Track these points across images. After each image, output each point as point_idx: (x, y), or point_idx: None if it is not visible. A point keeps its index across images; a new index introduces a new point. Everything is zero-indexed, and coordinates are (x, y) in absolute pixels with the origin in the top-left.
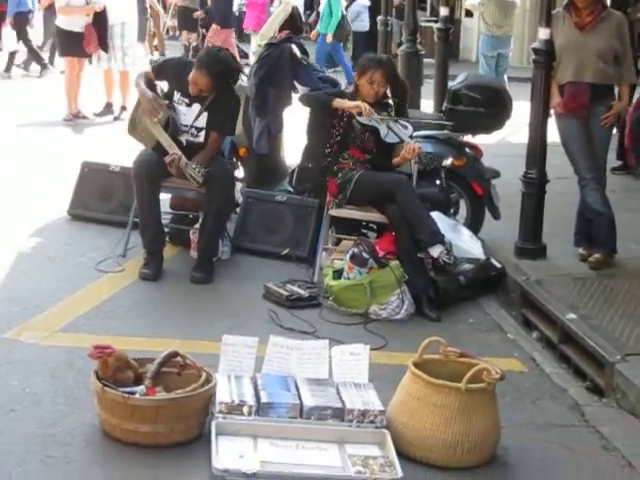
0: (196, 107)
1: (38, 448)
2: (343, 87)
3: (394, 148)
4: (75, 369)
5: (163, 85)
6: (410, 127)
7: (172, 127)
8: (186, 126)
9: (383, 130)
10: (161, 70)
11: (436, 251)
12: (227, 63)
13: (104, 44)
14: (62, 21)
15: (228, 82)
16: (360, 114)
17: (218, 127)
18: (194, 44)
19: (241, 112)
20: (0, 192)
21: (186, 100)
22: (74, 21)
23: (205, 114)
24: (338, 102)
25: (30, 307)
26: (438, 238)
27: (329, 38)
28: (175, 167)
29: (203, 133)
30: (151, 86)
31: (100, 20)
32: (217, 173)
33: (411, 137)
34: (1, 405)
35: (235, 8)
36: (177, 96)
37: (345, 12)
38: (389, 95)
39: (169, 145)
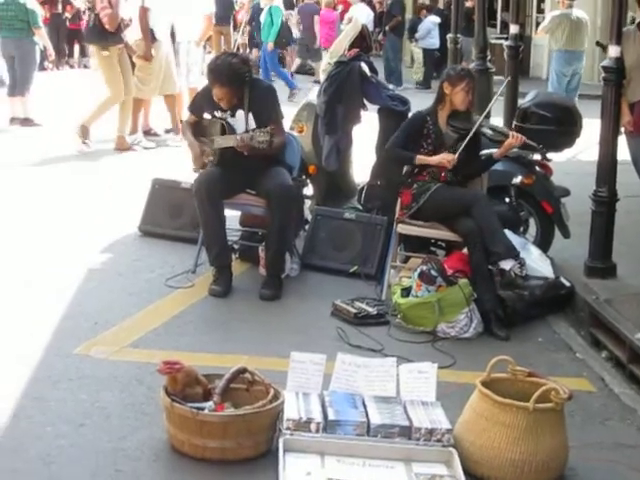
0: (240, 114)
1: (108, 462)
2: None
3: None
4: (144, 384)
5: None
6: None
7: (228, 131)
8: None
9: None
10: (195, 106)
11: (508, 264)
12: (228, 64)
13: None
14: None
15: (245, 77)
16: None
17: (268, 120)
18: None
19: (311, 129)
20: (72, 209)
21: (228, 113)
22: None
23: (250, 115)
24: (420, 159)
25: (100, 322)
26: (513, 253)
27: (270, 46)
28: (246, 146)
29: None
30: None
31: None
32: (279, 189)
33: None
34: (72, 419)
35: None
36: (219, 114)
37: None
38: None
39: (229, 138)
